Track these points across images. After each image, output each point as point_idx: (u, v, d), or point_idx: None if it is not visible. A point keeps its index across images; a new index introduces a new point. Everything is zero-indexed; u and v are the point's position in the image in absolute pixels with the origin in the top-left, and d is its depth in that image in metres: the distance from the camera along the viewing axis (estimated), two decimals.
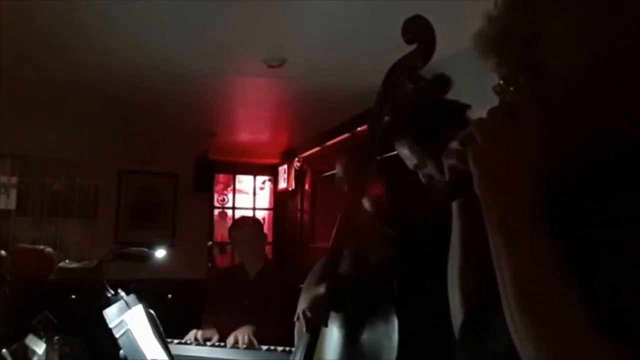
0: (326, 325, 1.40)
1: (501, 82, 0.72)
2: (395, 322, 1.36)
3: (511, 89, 0.70)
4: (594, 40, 0.64)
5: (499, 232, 0.63)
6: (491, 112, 0.69)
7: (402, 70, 1.24)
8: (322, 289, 1.36)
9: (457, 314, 0.86)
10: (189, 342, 2.65)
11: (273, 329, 2.54)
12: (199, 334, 2.68)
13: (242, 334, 2.55)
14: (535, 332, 0.57)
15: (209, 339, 2.67)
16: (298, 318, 1.49)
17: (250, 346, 2.51)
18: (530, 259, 0.60)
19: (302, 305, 1.47)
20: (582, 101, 0.65)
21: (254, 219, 3.91)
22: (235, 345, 2.53)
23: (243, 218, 3.81)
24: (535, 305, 0.58)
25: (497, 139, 0.66)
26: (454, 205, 0.86)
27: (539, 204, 0.62)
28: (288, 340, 1.85)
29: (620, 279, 0.56)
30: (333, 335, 1.50)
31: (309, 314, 1.40)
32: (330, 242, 1.38)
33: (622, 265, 0.56)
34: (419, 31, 1.19)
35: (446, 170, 0.78)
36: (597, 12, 0.64)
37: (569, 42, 0.64)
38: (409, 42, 1.20)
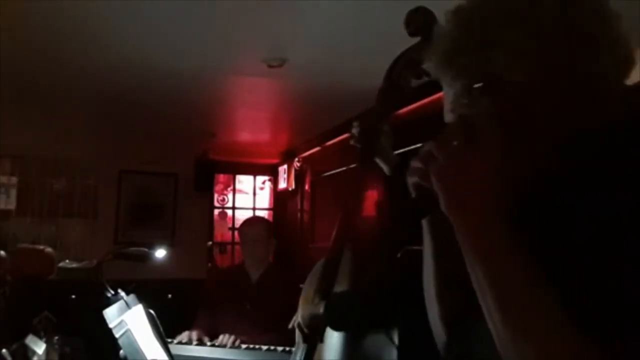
0: (322, 342, 1.38)
1: (454, 97, 0.72)
2: (397, 325, 1.36)
3: (464, 101, 0.70)
4: (544, 52, 0.65)
5: (472, 251, 0.63)
6: (448, 129, 0.69)
7: (405, 64, 1.21)
8: (320, 308, 1.31)
9: (437, 326, 0.86)
10: (183, 341, 2.65)
11: (275, 334, 2.53)
12: (194, 334, 2.69)
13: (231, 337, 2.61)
14: (520, 342, 0.58)
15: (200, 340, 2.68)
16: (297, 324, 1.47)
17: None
18: (506, 272, 0.61)
19: (300, 313, 1.45)
20: (536, 112, 0.66)
21: (265, 221, 3.60)
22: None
23: (254, 218, 3.73)
24: (517, 317, 0.59)
25: (456, 157, 0.66)
26: (424, 222, 0.86)
27: (507, 217, 0.62)
28: (289, 341, 1.84)
29: (596, 281, 0.56)
30: (334, 335, 1.50)
31: (305, 330, 1.37)
32: (331, 242, 1.37)
33: (596, 267, 0.57)
34: (422, 23, 1.14)
35: (410, 189, 0.78)
36: (545, 25, 0.65)
37: (520, 54, 0.65)
38: (412, 34, 1.16)
